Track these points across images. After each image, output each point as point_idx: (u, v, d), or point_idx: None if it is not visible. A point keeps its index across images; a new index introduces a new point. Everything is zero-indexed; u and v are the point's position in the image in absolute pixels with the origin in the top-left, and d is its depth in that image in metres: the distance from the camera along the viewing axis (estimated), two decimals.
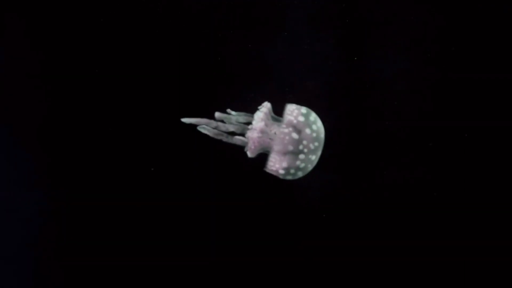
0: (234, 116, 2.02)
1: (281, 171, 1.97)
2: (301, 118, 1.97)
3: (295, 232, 2.37)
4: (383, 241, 2.37)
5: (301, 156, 1.96)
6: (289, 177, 2.02)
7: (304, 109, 2.00)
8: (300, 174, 2.03)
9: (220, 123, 2.00)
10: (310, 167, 2.04)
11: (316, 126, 2.00)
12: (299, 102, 2.05)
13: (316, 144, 1.99)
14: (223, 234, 2.36)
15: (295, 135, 1.95)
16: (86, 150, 2.35)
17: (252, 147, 1.96)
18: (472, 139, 2.38)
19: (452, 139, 2.37)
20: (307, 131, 1.97)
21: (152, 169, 2.34)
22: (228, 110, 2.03)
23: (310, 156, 1.99)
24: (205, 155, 2.32)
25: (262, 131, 1.95)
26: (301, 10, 2.37)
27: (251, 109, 2.03)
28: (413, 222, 2.38)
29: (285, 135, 1.94)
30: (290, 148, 1.94)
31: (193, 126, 2.01)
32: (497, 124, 2.38)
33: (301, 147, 1.95)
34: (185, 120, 1.99)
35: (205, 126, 1.98)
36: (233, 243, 2.36)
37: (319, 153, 2.04)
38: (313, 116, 2.01)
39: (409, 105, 2.37)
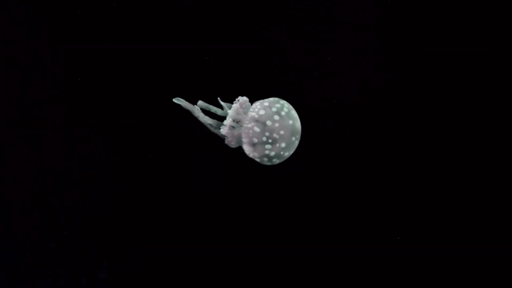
0: (213, 108, 2.19)
1: (257, 159, 2.12)
2: (262, 112, 2.06)
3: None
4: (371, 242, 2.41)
5: (268, 146, 2.06)
6: (268, 164, 2.14)
7: (266, 102, 2.08)
8: (276, 160, 2.12)
9: (201, 114, 2.19)
10: (286, 153, 2.11)
11: (279, 116, 2.05)
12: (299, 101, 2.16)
13: (282, 132, 2.05)
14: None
15: (257, 129, 2.05)
16: (86, 149, 2.54)
17: (229, 139, 2.13)
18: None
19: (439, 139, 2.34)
20: (268, 122, 2.04)
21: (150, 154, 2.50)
22: (219, 99, 2.18)
23: (277, 145, 2.06)
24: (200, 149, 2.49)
25: (231, 127, 2.10)
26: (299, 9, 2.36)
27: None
28: (396, 218, 2.40)
29: (249, 130, 2.06)
30: (255, 140, 2.06)
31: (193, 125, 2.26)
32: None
33: (264, 138, 2.05)
34: (176, 100, 2.19)
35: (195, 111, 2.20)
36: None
37: (292, 139, 2.09)
38: (277, 107, 2.07)
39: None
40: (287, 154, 2.13)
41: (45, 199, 2.54)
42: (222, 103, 2.18)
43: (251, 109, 2.09)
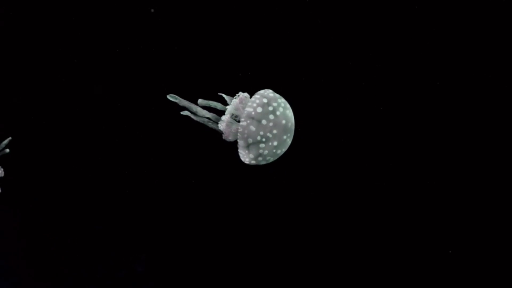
0: (213, 103, 2.21)
1: (253, 162, 2.16)
2: (260, 109, 2.08)
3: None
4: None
5: (262, 145, 2.11)
6: (263, 163, 2.20)
7: (265, 99, 2.09)
8: (270, 159, 2.18)
9: (199, 109, 2.21)
10: (278, 151, 2.16)
11: (274, 115, 2.09)
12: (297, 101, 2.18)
13: (275, 131, 2.09)
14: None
15: (252, 128, 2.09)
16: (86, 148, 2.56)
17: (226, 135, 2.16)
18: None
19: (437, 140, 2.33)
20: (263, 122, 2.07)
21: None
22: (220, 94, 2.20)
23: (271, 143, 2.11)
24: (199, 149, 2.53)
25: (228, 123, 2.14)
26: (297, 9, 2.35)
27: None
28: (387, 214, 2.42)
29: (244, 129, 2.09)
30: (250, 140, 2.09)
31: (192, 125, 2.28)
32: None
33: (259, 137, 2.09)
34: (171, 97, 2.22)
35: (187, 112, 2.22)
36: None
37: (284, 137, 2.13)
38: (274, 106, 2.09)
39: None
40: (280, 152, 2.18)
41: (83, 193, 2.59)
42: (224, 96, 2.20)
43: (249, 103, 2.09)
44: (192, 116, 2.22)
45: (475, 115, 2.33)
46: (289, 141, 2.17)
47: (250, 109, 2.09)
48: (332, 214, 2.51)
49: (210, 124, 2.23)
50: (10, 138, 2.23)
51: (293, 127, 2.16)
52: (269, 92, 2.12)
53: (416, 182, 2.43)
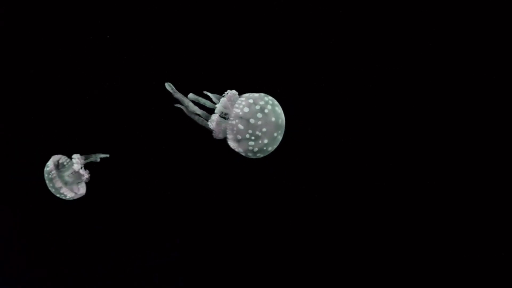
0: (203, 100, 2.23)
1: (242, 154, 2.20)
2: (246, 109, 2.10)
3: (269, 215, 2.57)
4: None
5: (251, 143, 2.13)
6: (252, 157, 2.22)
7: (251, 99, 2.11)
8: (260, 155, 2.20)
9: (190, 104, 2.24)
10: (268, 148, 2.18)
11: (263, 113, 2.10)
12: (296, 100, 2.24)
13: (265, 129, 2.11)
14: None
15: (241, 126, 2.11)
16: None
17: (216, 132, 2.19)
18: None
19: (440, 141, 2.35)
20: (251, 120, 2.10)
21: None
22: (205, 92, 2.23)
23: (260, 141, 2.13)
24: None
25: (218, 122, 2.17)
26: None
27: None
28: (387, 215, 2.44)
29: (233, 127, 2.12)
30: (239, 137, 2.13)
31: (190, 124, 2.30)
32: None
33: (247, 135, 2.12)
34: (168, 86, 2.25)
35: (179, 105, 2.26)
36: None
37: (275, 134, 2.15)
38: (261, 104, 2.11)
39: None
40: (270, 148, 2.20)
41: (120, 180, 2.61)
42: (210, 94, 2.22)
43: (236, 105, 2.13)
44: (184, 110, 2.25)
45: (469, 115, 2.33)
46: (280, 138, 2.19)
47: (237, 110, 2.11)
48: (325, 209, 2.53)
49: (200, 121, 2.26)
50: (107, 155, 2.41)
51: (283, 123, 2.18)
52: (253, 93, 2.14)
53: (412, 180, 2.44)
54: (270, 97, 2.16)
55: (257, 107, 2.11)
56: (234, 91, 2.17)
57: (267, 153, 2.22)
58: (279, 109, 2.16)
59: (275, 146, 2.21)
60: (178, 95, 2.25)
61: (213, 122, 2.18)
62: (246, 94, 2.16)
